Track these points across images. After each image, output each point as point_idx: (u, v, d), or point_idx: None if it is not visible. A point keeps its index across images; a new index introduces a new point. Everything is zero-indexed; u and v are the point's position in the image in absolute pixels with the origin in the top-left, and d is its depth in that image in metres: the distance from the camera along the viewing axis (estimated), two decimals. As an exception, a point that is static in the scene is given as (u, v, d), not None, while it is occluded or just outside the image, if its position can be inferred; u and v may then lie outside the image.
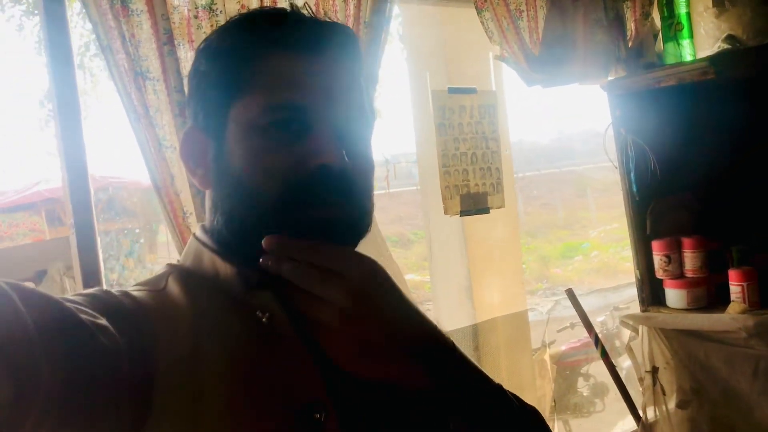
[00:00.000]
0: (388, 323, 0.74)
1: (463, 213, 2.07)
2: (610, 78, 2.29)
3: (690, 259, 2.23)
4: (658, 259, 2.27)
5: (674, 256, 2.25)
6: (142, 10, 1.48)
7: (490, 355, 3.44)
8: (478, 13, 1.96)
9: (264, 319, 0.75)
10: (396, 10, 3.85)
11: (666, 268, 2.25)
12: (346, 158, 0.77)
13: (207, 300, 0.77)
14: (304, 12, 0.82)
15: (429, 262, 3.85)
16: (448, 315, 3.62)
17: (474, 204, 2.08)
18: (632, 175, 2.28)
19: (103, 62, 1.46)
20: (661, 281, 2.29)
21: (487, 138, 2.12)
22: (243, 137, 0.77)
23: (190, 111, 0.83)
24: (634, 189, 2.28)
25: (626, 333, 2.69)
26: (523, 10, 2.05)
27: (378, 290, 0.74)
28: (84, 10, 1.43)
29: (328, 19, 0.84)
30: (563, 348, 5.41)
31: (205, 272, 0.80)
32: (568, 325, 5.61)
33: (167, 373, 0.68)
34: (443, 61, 3.07)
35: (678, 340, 2.27)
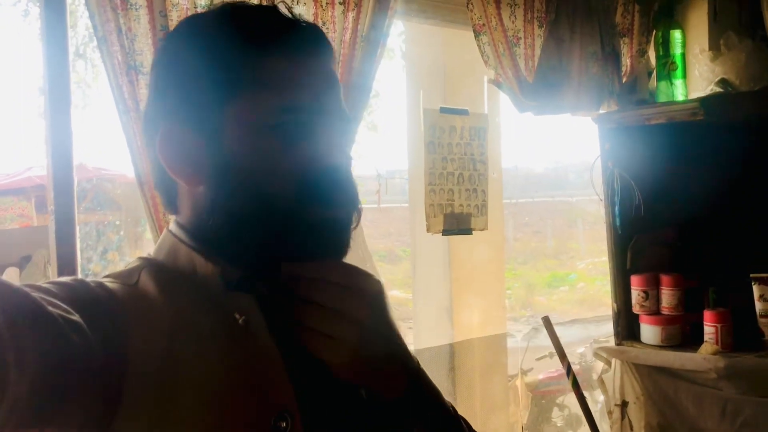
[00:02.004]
0: (388, 337, 0.79)
1: (446, 232, 2.08)
2: (601, 111, 2.31)
3: (667, 296, 2.24)
4: (636, 293, 2.28)
5: (652, 292, 2.26)
6: (141, 5, 1.49)
7: (465, 376, 3.44)
8: (476, 36, 1.98)
9: (240, 321, 0.75)
10: (401, 26, 3.89)
11: (643, 303, 2.27)
12: (345, 156, 0.80)
13: (183, 297, 0.76)
14: (284, 9, 0.81)
15: (412, 279, 3.86)
16: (427, 333, 3.61)
17: (457, 224, 2.09)
18: (616, 208, 2.30)
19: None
20: (637, 316, 2.31)
21: (476, 160, 2.14)
22: (248, 137, 0.77)
23: (166, 106, 0.80)
24: (617, 223, 2.30)
25: (601, 366, 2.70)
26: (520, 37, 2.07)
27: (387, 306, 0.79)
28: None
29: (304, 20, 0.83)
30: (540, 377, 5.41)
31: (181, 268, 0.79)
32: (547, 354, 5.62)
33: (139, 372, 0.68)
34: (441, 80, 3.10)
35: (649, 375, 2.28)
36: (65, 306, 0.63)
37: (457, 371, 3.44)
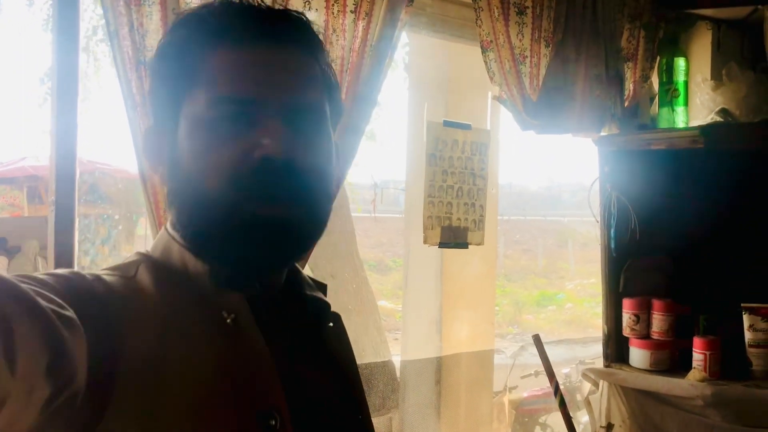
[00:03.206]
0: None
1: (442, 245, 2.08)
2: (602, 133, 2.33)
3: (658, 321, 2.25)
4: (627, 317, 2.29)
5: (643, 316, 2.27)
6: (154, 2, 1.50)
7: (451, 389, 3.44)
8: (483, 52, 2.00)
9: (228, 320, 0.76)
10: (404, 38, 3.91)
11: (634, 326, 2.28)
12: (294, 150, 0.75)
13: (175, 295, 0.76)
14: (256, 2, 0.80)
15: (404, 289, 3.86)
16: (415, 345, 3.62)
17: (454, 237, 2.09)
18: (612, 231, 2.31)
19: (109, 48, 1.47)
20: (627, 339, 2.31)
21: (476, 175, 2.14)
22: (190, 132, 0.76)
23: (150, 107, 0.84)
24: (612, 245, 2.31)
25: (587, 387, 2.70)
26: (526, 56, 2.08)
27: None
28: (97, -6, 1.44)
29: (282, 7, 0.84)
30: (525, 395, 5.42)
31: (174, 266, 0.79)
32: (533, 372, 5.63)
33: (129, 370, 0.68)
34: (444, 93, 3.12)
35: (636, 399, 2.28)
36: (59, 300, 0.62)
37: (443, 385, 3.45)
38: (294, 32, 0.79)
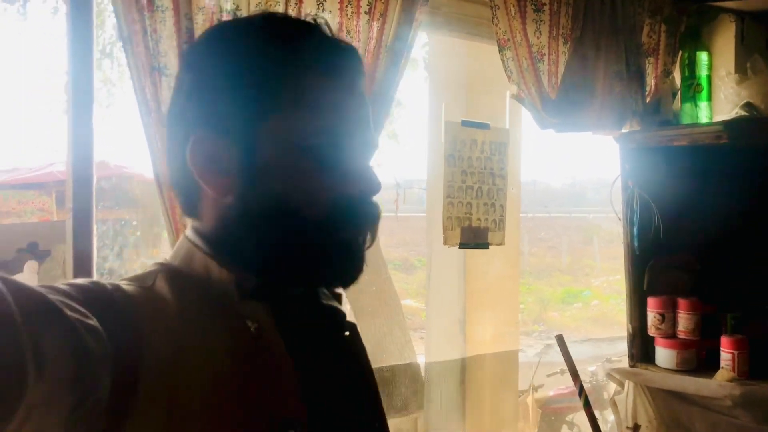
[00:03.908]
0: None
1: (462, 245, 2.06)
2: (623, 130, 2.29)
3: (684, 320, 2.21)
4: (651, 316, 2.26)
5: (668, 315, 2.23)
6: (167, 7, 1.50)
7: (475, 390, 3.42)
8: (500, 50, 1.97)
9: (252, 329, 0.75)
10: (425, 38, 3.88)
11: (659, 326, 2.24)
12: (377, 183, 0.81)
13: (195, 303, 0.76)
14: (323, 26, 0.81)
15: (427, 290, 3.84)
16: (438, 345, 3.60)
17: (474, 238, 2.08)
18: (635, 229, 2.27)
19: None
20: (652, 338, 2.28)
21: (495, 174, 2.12)
22: (283, 154, 0.77)
23: (199, 111, 0.78)
24: (636, 243, 2.28)
25: (614, 386, 2.67)
26: (544, 54, 2.06)
27: None
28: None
29: (341, 39, 0.84)
30: (551, 393, 5.36)
31: (196, 274, 0.79)
32: (558, 371, 5.58)
33: (150, 380, 0.67)
34: (463, 93, 3.09)
35: (663, 399, 2.25)
36: (83, 310, 0.63)
37: (468, 385, 3.43)
38: (359, 64, 0.83)
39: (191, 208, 0.83)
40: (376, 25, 1.75)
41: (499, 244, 2.15)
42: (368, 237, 0.83)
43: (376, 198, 0.82)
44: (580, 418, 5.46)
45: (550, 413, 5.30)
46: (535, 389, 5.07)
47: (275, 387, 0.75)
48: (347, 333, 0.90)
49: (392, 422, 3.46)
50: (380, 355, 4.49)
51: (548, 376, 5.44)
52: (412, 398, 3.84)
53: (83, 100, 1.48)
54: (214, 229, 0.80)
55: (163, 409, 0.68)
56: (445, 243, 2.03)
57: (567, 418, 5.38)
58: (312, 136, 0.76)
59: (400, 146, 5.54)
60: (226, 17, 1.57)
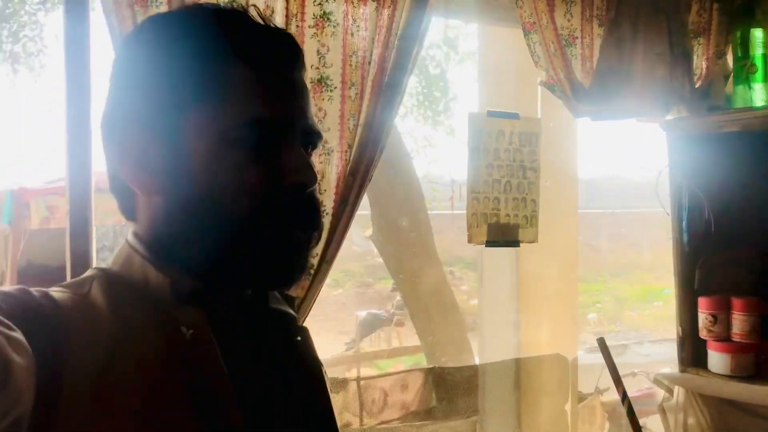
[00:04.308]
0: None
1: (489, 243, 1.95)
2: (669, 117, 2.12)
3: (739, 322, 2.03)
4: (703, 317, 2.09)
5: (721, 317, 2.06)
6: (161, 2, 1.46)
7: (530, 393, 3.31)
8: (525, 35, 1.86)
9: (187, 336, 0.72)
10: (473, 29, 3.77)
11: (711, 328, 2.07)
12: (316, 177, 0.76)
13: (130, 309, 0.74)
14: (254, 14, 0.78)
15: (479, 290, 3.74)
16: (492, 346, 3.52)
17: (502, 235, 1.96)
18: (684, 224, 2.11)
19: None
20: (704, 342, 2.11)
21: (526, 167, 2.00)
22: (209, 149, 0.73)
23: (126, 109, 0.76)
24: (685, 239, 2.11)
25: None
26: (577, 37, 1.93)
27: None
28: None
29: (275, 26, 0.80)
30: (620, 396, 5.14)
31: (134, 279, 0.76)
32: (630, 373, 5.35)
33: (76, 390, 0.65)
34: (512, 83, 2.97)
35: (717, 408, 2.07)
36: (5, 321, 0.61)
37: (522, 388, 3.32)
38: (299, 53, 0.79)
39: (129, 211, 0.81)
40: (386, 12, 1.67)
41: (532, 242, 2.03)
42: (308, 233, 0.78)
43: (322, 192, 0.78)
44: (654, 423, 5.22)
45: (620, 417, 5.07)
46: (600, 392, 4.86)
47: (209, 395, 0.72)
48: (299, 338, 0.87)
49: (451, 425, 3.39)
50: (438, 355, 4.40)
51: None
52: (470, 401, 3.75)
53: (80, 100, 1.46)
54: (149, 232, 0.78)
55: (89, 421, 0.65)
56: (469, 241, 1.92)
57: (642, 421, 5.13)
58: (237, 128, 0.73)
59: (457, 142, 5.44)
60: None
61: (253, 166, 0.73)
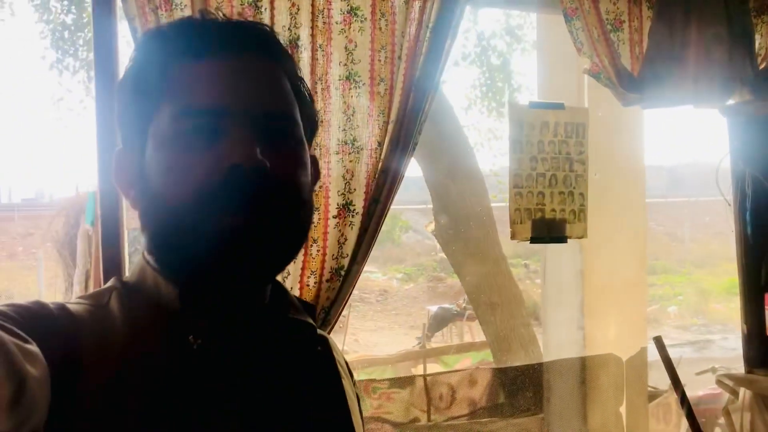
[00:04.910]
0: None
1: (535, 240, 1.88)
2: (731, 102, 2.00)
3: (809, 320, 1.90)
4: (770, 314, 1.96)
5: (790, 314, 1.93)
6: (186, 5, 1.46)
7: (597, 391, 3.22)
8: (567, 21, 1.78)
9: (195, 346, 0.72)
10: (533, 19, 3.67)
11: (779, 326, 1.94)
12: (259, 156, 0.70)
13: (144, 320, 0.74)
14: (216, 15, 0.77)
15: (542, 286, 3.65)
16: (557, 344, 3.44)
17: (548, 231, 1.88)
18: (748, 215, 1.98)
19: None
20: (772, 340, 1.98)
21: (572, 160, 1.91)
22: (156, 149, 0.73)
23: (118, 128, 0.81)
24: (749, 231, 1.98)
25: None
26: (623, 21, 1.83)
27: None
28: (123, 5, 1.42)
29: (241, 19, 0.80)
30: (700, 393, 4.93)
31: (148, 291, 0.77)
32: (710, 368, 5.13)
33: (90, 402, 0.66)
34: (571, 71, 2.87)
35: (787, 411, 1.94)
36: (21, 333, 0.61)
37: (589, 385, 3.23)
38: (254, 42, 0.77)
39: (140, 223, 0.81)
40: (417, 4, 1.62)
41: (580, 237, 1.94)
42: (242, 217, 0.70)
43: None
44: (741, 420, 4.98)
45: (699, 415, 4.85)
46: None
47: (215, 407, 0.71)
48: (318, 348, 0.86)
49: (519, 421, 3.33)
50: (504, 353, 4.32)
51: (697, 374, 5.02)
52: (535, 398, 3.68)
53: (109, 109, 1.48)
54: (146, 243, 0.79)
55: (101, 430, 0.66)
56: (512, 238, 1.86)
57: (719, 420, 4.91)
58: (172, 122, 0.72)
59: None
60: (247, 9, 1.51)
61: (192, 158, 0.71)
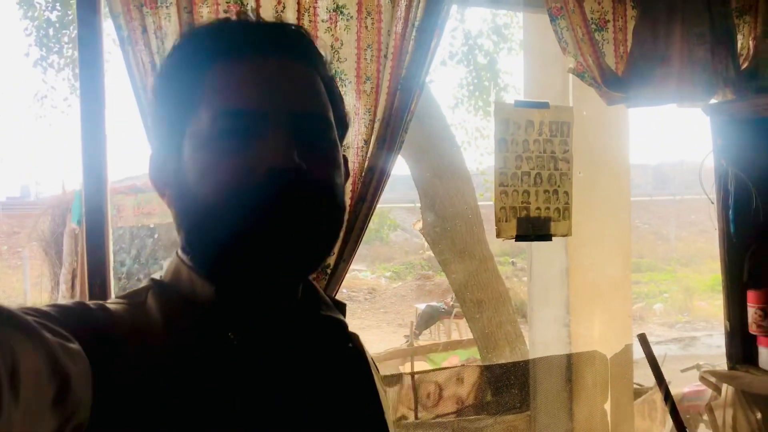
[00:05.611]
0: None
1: (520, 238, 1.89)
2: (714, 101, 2.02)
3: (791, 316, 1.92)
4: (752, 311, 1.98)
5: (772, 311, 1.94)
6: (171, 3, 1.46)
7: (583, 388, 3.23)
8: (552, 21, 1.79)
9: (235, 342, 0.74)
10: (520, 18, 3.68)
11: (761, 323, 1.96)
12: (297, 159, 0.71)
13: (181, 317, 0.75)
14: (251, 16, 0.79)
15: (528, 284, 3.67)
16: (543, 340, 3.45)
17: (533, 229, 1.89)
18: (731, 212, 2.00)
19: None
20: (754, 337, 2.00)
21: (557, 158, 1.93)
22: (194, 151, 0.74)
23: (152, 129, 0.86)
24: (732, 229, 2.00)
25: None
26: (608, 20, 1.84)
27: None
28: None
29: (278, 21, 0.81)
30: (685, 390, 4.98)
31: (183, 289, 0.78)
32: (694, 365, 5.17)
33: (133, 399, 0.67)
34: (559, 71, 2.89)
35: (768, 407, 1.96)
36: (64, 332, 0.62)
37: (575, 383, 3.24)
38: (291, 44, 0.78)
39: (175, 223, 0.82)
40: (403, 3, 1.63)
41: (565, 235, 1.95)
42: (282, 219, 0.71)
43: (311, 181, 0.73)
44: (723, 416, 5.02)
45: (683, 411, 4.90)
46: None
47: (254, 402, 0.73)
48: (349, 345, 0.87)
49: (506, 418, 3.34)
50: (490, 350, 4.33)
51: (682, 371, 5.06)
52: (523, 396, 3.70)
53: (93, 116, 1.47)
54: (182, 242, 0.80)
55: (141, 426, 0.67)
56: (498, 236, 1.87)
57: (704, 417, 4.96)
58: (210, 125, 0.72)
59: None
60: (233, 7, 1.51)
61: (231, 160, 0.71)
